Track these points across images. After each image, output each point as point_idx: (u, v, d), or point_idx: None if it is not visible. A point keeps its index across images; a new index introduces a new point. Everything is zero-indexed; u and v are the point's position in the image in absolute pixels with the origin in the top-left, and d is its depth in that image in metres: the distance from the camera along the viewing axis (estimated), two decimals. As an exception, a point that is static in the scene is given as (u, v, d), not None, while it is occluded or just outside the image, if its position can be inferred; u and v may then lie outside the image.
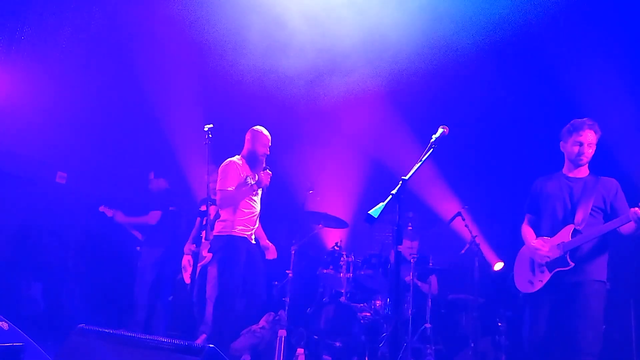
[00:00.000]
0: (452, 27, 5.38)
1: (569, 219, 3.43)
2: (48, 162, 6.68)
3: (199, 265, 5.43)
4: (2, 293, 5.72)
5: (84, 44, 6.10)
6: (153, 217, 5.87)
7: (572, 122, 3.53)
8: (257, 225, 4.48)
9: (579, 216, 3.37)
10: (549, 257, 3.40)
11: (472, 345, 5.13)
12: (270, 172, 4.34)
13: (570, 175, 3.56)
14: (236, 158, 4.38)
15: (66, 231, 6.64)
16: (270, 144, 4.45)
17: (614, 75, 4.98)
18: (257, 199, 4.44)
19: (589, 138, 3.45)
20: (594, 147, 3.48)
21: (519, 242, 6.49)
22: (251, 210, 4.39)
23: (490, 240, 5.89)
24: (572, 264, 3.30)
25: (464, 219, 5.00)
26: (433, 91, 5.92)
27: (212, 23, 5.79)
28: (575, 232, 3.36)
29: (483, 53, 5.46)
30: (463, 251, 5.16)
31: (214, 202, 5.53)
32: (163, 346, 2.31)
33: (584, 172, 3.54)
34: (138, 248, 5.98)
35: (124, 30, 5.92)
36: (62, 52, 6.07)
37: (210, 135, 4.05)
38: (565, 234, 3.39)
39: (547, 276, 3.40)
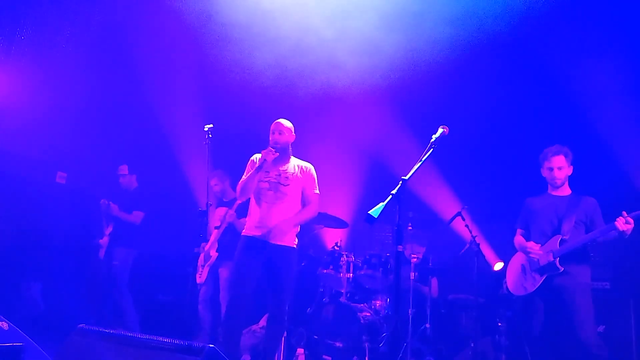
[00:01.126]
0: (452, 25, 5.37)
1: (556, 231, 3.91)
2: (48, 162, 6.68)
3: (207, 265, 5.47)
4: (2, 293, 5.72)
5: (83, 44, 6.09)
6: (137, 217, 5.86)
7: (544, 150, 4.04)
8: (278, 225, 3.99)
9: (565, 228, 3.85)
10: (540, 259, 3.85)
11: (472, 345, 5.13)
12: (272, 149, 3.95)
13: (554, 194, 4.04)
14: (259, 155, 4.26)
15: (66, 231, 6.64)
16: (277, 129, 4.09)
17: (614, 73, 4.98)
18: (272, 194, 4.02)
19: (558, 162, 3.95)
20: (567, 169, 3.97)
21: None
22: (264, 208, 4.03)
23: (490, 240, 5.89)
24: (562, 269, 3.76)
25: (464, 219, 4.99)
26: (433, 91, 5.91)
27: (213, 22, 5.78)
28: (562, 241, 3.83)
29: (484, 52, 5.46)
30: (463, 251, 5.16)
31: (222, 204, 5.57)
32: (163, 346, 2.31)
33: (566, 191, 4.03)
34: (103, 246, 5.89)
35: (124, 30, 5.92)
36: (62, 52, 6.06)
37: (210, 135, 4.04)
38: (553, 243, 3.86)
39: (539, 279, 3.85)
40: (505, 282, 4.11)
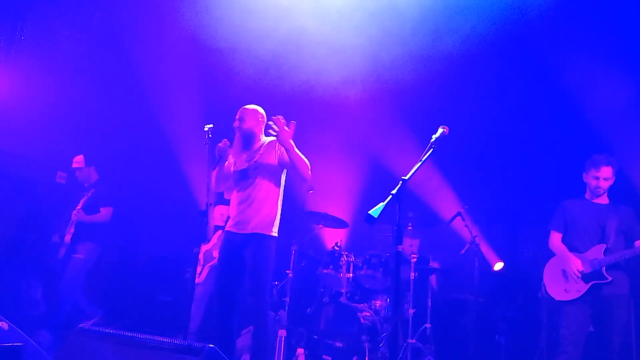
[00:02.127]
0: (454, 24, 5.37)
1: (599, 239, 3.96)
2: (48, 162, 6.68)
3: (207, 265, 5.46)
4: (2, 293, 5.71)
5: (84, 43, 6.10)
6: (106, 214, 5.56)
7: (593, 157, 4.08)
8: (248, 213, 3.85)
9: (610, 237, 3.91)
10: (583, 271, 3.89)
11: (472, 345, 5.13)
12: (227, 141, 3.90)
13: (594, 201, 4.10)
14: None
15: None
16: (238, 116, 4.02)
17: (614, 75, 4.98)
18: (244, 184, 3.90)
19: (606, 173, 4.00)
20: (611, 180, 4.04)
21: (519, 242, 6.51)
22: (234, 199, 3.96)
23: (490, 240, 5.89)
24: (610, 278, 3.82)
25: (464, 219, 5.00)
26: (433, 91, 5.91)
27: (213, 22, 5.78)
28: (607, 251, 3.89)
29: (484, 52, 5.46)
30: (463, 251, 5.17)
31: (222, 201, 5.56)
32: (163, 346, 2.31)
33: (605, 199, 4.10)
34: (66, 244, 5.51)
35: (124, 30, 5.92)
36: (62, 52, 6.07)
37: (210, 135, 4.02)
38: (597, 251, 3.92)
39: (584, 287, 3.89)
40: (544, 286, 4.12)
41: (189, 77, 6.21)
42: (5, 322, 2.76)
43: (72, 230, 5.47)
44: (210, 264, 5.45)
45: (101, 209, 5.57)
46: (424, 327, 5.04)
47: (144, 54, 6.04)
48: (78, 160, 5.66)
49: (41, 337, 4.95)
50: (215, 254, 5.40)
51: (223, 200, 5.60)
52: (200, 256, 5.55)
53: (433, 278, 5.65)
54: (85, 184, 5.74)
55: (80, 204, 5.52)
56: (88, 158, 5.67)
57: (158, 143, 6.70)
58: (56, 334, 5.04)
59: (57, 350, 2.64)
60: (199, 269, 5.53)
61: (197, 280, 5.47)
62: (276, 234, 3.92)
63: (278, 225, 3.95)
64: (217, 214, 5.79)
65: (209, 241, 5.72)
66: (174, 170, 6.76)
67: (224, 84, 6.28)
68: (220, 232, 5.44)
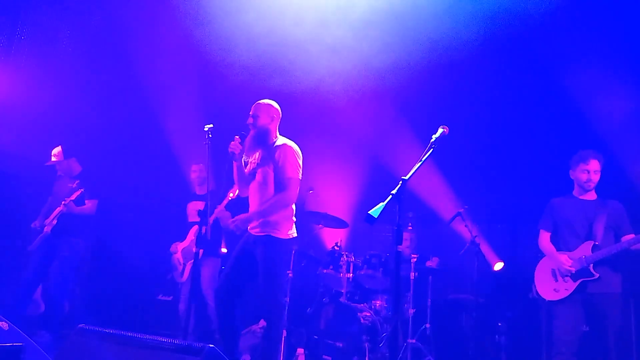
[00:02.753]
0: (453, 24, 5.37)
1: (588, 236, 3.93)
2: (47, 161, 6.68)
3: (188, 263, 5.38)
4: (2, 293, 5.71)
5: (83, 43, 6.10)
6: (91, 207, 5.32)
7: (579, 152, 4.08)
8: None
9: (598, 234, 3.88)
10: (572, 269, 3.86)
11: (472, 345, 5.13)
12: (238, 138, 3.79)
13: (582, 197, 4.07)
14: None
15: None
16: (251, 113, 3.90)
17: (613, 77, 4.99)
18: (250, 183, 3.88)
19: (595, 166, 3.99)
20: (599, 174, 4.01)
21: (519, 242, 6.52)
22: (249, 199, 3.89)
23: (490, 240, 5.89)
24: (597, 275, 3.79)
25: (464, 219, 5.00)
26: (433, 90, 5.91)
27: (212, 22, 5.78)
28: (595, 247, 3.86)
29: (484, 52, 5.46)
30: (463, 251, 5.17)
31: (196, 197, 5.54)
32: (163, 346, 2.31)
33: (593, 195, 4.06)
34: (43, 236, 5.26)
35: (124, 30, 5.92)
36: (61, 52, 6.06)
37: (210, 135, 4.02)
38: (585, 249, 3.89)
39: (572, 285, 3.87)
40: (535, 287, 4.09)
41: (186, 74, 6.20)
42: (5, 322, 2.76)
43: (55, 222, 5.24)
44: (191, 261, 5.40)
45: (86, 202, 5.29)
46: (424, 327, 5.04)
47: (144, 53, 6.04)
48: (56, 154, 5.44)
49: (41, 337, 4.86)
50: (194, 249, 5.34)
51: (197, 197, 5.60)
52: (179, 255, 5.51)
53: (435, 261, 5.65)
54: (69, 177, 5.49)
55: (74, 196, 5.20)
56: (66, 150, 5.43)
57: (158, 143, 6.70)
58: (56, 334, 5.02)
59: (57, 350, 2.64)
60: (180, 268, 5.48)
61: (181, 280, 5.43)
62: (289, 236, 3.81)
63: (293, 227, 3.85)
64: (192, 210, 5.68)
65: (209, 240, 5.68)
66: (171, 168, 6.76)
67: (221, 83, 6.27)
68: (195, 227, 5.35)
